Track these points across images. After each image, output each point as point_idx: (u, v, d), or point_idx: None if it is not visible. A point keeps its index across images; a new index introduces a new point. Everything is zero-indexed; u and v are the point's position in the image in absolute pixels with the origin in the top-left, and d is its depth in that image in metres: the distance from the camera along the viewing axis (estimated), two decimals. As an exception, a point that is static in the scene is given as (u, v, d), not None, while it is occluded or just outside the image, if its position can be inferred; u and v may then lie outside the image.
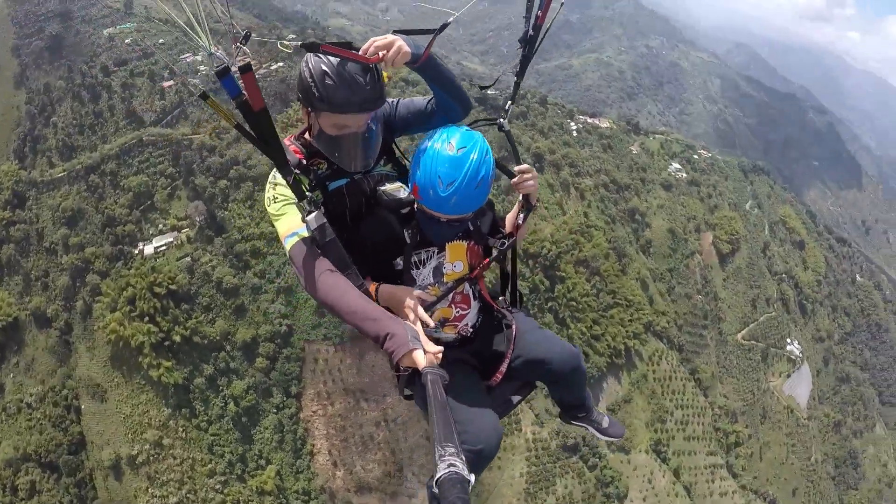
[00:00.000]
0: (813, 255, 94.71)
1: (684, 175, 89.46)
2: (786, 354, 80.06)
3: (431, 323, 2.46)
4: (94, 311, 52.22)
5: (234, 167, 60.69)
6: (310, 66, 2.49)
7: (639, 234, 78.07)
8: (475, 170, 2.50)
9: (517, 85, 3.11)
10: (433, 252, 2.80)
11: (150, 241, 57.00)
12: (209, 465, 48.45)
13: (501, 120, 3.11)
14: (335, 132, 2.61)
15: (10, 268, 57.51)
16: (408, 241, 2.71)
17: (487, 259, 2.96)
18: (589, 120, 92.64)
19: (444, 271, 2.84)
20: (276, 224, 2.62)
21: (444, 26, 2.48)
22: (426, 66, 2.64)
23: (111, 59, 73.90)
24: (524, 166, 2.98)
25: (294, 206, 2.56)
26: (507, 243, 2.97)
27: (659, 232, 78.65)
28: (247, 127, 2.16)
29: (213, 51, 2.16)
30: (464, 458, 1.58)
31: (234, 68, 1.96)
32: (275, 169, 2.58)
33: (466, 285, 2.95)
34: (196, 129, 65.15)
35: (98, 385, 49.41)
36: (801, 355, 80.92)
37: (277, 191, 2.61)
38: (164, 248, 56.28)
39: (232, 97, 1.98)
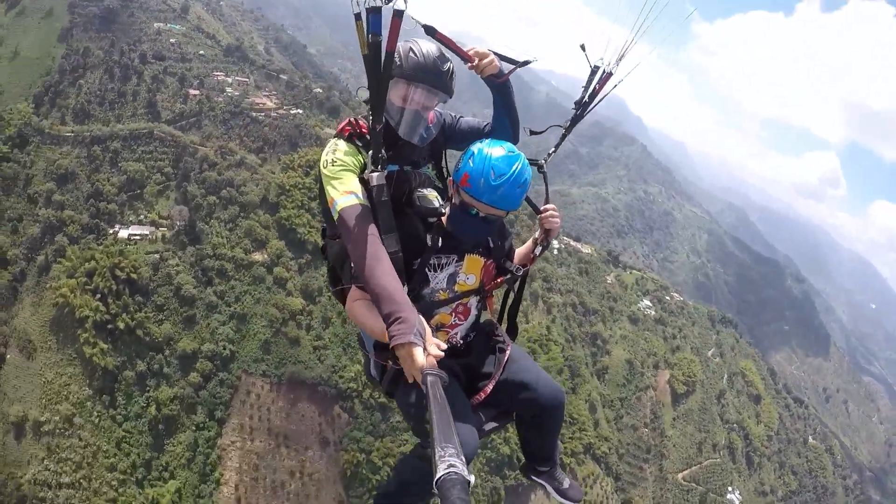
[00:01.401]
0: (767, 410, 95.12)
1: (653, 312, 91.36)
2: (725, 502, 78.81)
3: (443, 349, 2.33)
4: (51, 270, 51.39)
5: (227, 188, 61.99)
6: (400, 44, 2.74)
7: (597, 359, 78.75)
8: (522, 171, 2.69)
9: (563, 136, 3.45)
10: (452, 259, 2.89)
11: (127, 227, 57.28)
12: (112, 459, 45.85)
13: (542, 161, 3.37)
14: (401, 104, 2.84)
15: (-13, 200, 56.62)
16: (429, 243, 2.80)
17: (501, 278, 3.07)
18: (572, 242, 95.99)
19: (458, 280, 2.92)
20: (328, 185, 2.70)
21: (527, 62, 2.99)
22: (503, 87, 3.04)
23: (152, 50, 77.14)
24: (552, 205, 3.23)
25: (351, 173, 2.70)
26: (522, 269, 3.11)
27: (617, 361, 79.39)
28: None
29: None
30: (464, 459, 1.57)
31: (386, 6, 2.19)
32: (336, 138, 2.87)
33: (472, 299, 3.03)
34: (204, 141, 67.12)
35: (30, 342, 47.73)
36: (740, 506, 79.62)
37: (338, 155, 2.74)
38: (138, 237, 56.42)
39: (371, 31, 2.20)
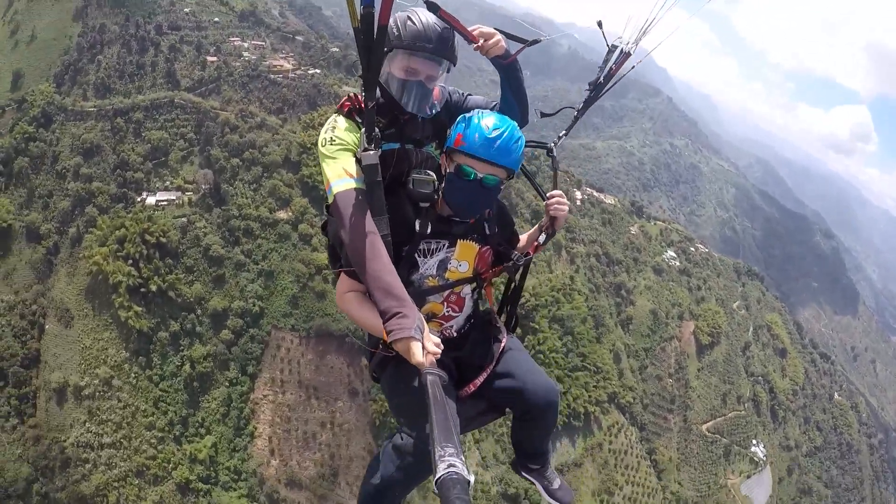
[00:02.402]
0: (793, 364, 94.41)
1: (677, 263, 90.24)
2: (749, 455, 78.79)
3: (440, 349, 2.29)
4: (83, 241, 53.26)
5: (250, 150, 62.91)
6: (398, 15, 2.68)
7: (621, 309, 78.62)
8: (515, 129, 2.62)
9: (576, 118, 3.36)
10: (443, 245, 2.78)
11: (154, 194, 58.72)
12: (150, 418, 48.18)
13: (551, 145, 3.30)
14: (403, 76, 2.73)
15: (19, 179, 58.63)
16: (418, 229, 2.68)
17: (500, 267, 2.97)
18: (595, 193, 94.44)
19: (449, 267, 2.81)
20: (325, 165, 2.61)
21: (535, 41, 2.87)
22: (510, 67, 2.91)
23: (167, 21, 77.27)
24: (559, 192, 3.11)
25: (349, 153, 2.60)
26: (524, 258, 3.00)
27: (641, 311, 79.07)
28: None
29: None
30: (464, 459, 1.58)
31: None
32: (335, 115, 2.76)
33: (466, 288, 2.92)
34: (224, 105, 67.75)
35: (67, 310, 49.87)
36: (764, 459, 79.61)
37: (336, 133, 2.65)
38: (165, 203, 57.87)
39: (364, 4, 2.06)
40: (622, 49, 3.11)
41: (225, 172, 61.01)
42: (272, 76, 71.93)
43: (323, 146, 2.64)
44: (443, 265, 2.79)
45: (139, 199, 57.77)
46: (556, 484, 3.20)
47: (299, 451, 50.00)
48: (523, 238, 3.26)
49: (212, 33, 78.40)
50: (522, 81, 3.04)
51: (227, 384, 51.17)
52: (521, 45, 2.89)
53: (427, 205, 2.70)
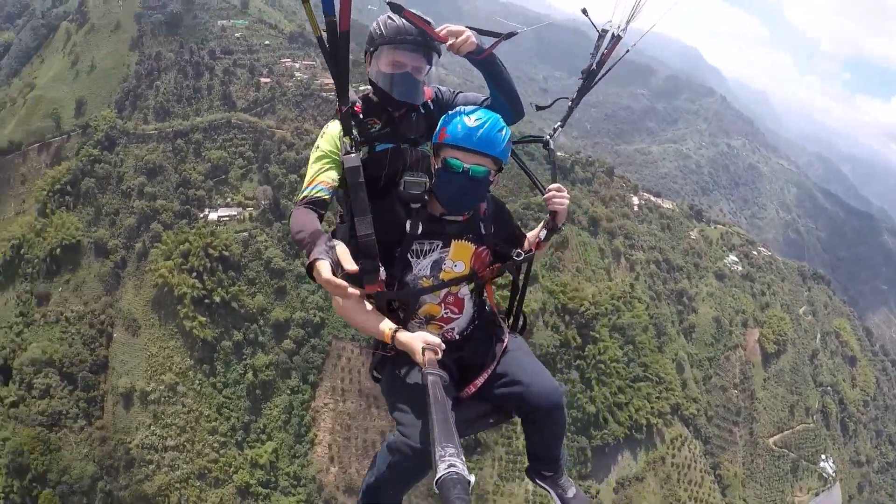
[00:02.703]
0: (864, 373, 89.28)
1: (740, 268, 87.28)
2: (818, 470, 74.75)
3: (441, 348, 2.37)
4: (149, 255, 56.05)
5: (306, 166, 64.74)
6: (379, 18, 2.82)
7: (683, 317, 76.26)
8: (498, 120, 2.65)
9: (571, 109, 3.23)
10: (436, 246, 2.76)
11: (216, 210, 61.33)
12: (213, 423, 49.84)
13: (547, 137, 3.21)
14: (390, 70, 2.81)
15: (87, 199, 62.30)
16: (408, 229, 2.68)
17: (497, 266, 2.92)
18: (652, 198, 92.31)
19: (443, 267, 2.78)
20: (308, 167, 2.75)
21: (511, 35, 2.71)
22: (487, 62, 2.81)
23: (219, 46, 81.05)
24: (557, 185, 3.00)
25: (324, 161, 2.71)
26: (524, 256, 2.92)
27: (704, 319, 76.54)
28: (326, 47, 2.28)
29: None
30: (464, 459, 1.59)
31: None
32: (330, 121, 2.84)
33: (464, 289, 2.87)
34: (280, 124, 70.14)
35: (135, 320, 52.62)
36: (833, 475, 75.35)
37: (324, 140, 2.76)
38: (226, 218, 60.33)
39: (325, 13, 2.10)
40: (613, 33, 3.01)
41: (283, 188, 62.92)
42: (324, 94, 73.82)
43: (313, 151, 2.79)
44: (437, 266, 2.77)
45: (202, 216, 60.40)
46: (571, 492, 3.04)
47: (358, 459, 50.46)
48: (530, 236, 3.16)
49: (263, 56, 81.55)
50: (505, 75, 2.93)
51: (289, 392, 52.35)
52: (496, 40, 2.77)
53: (418, 205, 2.70)
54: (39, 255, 58.05)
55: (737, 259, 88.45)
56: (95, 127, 67.18)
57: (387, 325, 2.50)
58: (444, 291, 2.80)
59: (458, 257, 2.79)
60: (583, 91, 3.14)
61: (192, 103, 71.98)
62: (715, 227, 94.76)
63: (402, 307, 2.80)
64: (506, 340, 2.91)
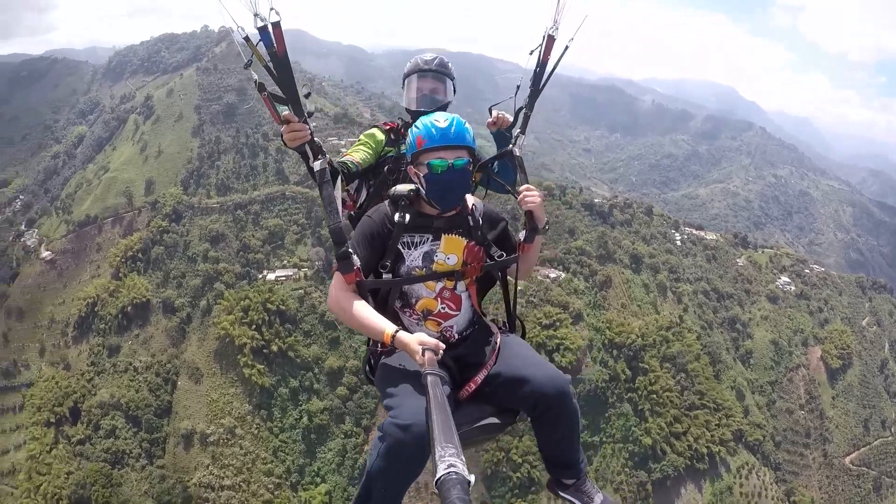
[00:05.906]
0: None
1: (793, 288, 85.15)
2: (903, 488, 69.85)
3: (441, 348, 2.41)
4: (213, 311, 60.55)
5: None
6: (410, 61, 3.88)
7: (738, 343, 75.00)
8: (461, 121, 2.76)
9: (527, 116, 3.41)
10: (426, 238, 2.80)
11: (274, 271, 66.55)
12: (269, 465, 51.72)
13: (511, 146, 3.39)
14: (416, 94, 3.80)
15: (156, 264, 68.46)
16: (397, 218, 2.75)
17: (480, 263, 2.90)
18: (694, 232, 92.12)
19: (435, 259, 2.80)
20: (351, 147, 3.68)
21: (506, 152, 3.44)
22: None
23: (272, 129, 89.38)
24: (527, 185, 3.10)
25: (360, 147, 3.72)
26: (506, 257, 2.93)
27: (761, 343, 75.08)
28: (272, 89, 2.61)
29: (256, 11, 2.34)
30: (464, 459, 1.59)
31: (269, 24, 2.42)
32: (374, 128, 3.87)
33: (461, 285, 2.87)
34: (330, 193, 77.31)
35: (197, 369, 56.42)
36: (922, 490, 70.13)
37: (363, 134, 3.82)
38: (283, 278, 65.24)
39: (266, 47, 2.45)
40: (545, 34, 3.17)
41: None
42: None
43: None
44: (428, 257, 2.80)
45: (260, 276, 65.53)
46: (598, 499, 2.77)
47: (411, 501, 51.51)
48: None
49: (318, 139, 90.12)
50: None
51: (343, 436, 54.18)
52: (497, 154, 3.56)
53: (406, 202, 2.79)
54: (112, 313, 63.15)
55: (789, 279, 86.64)
56: (164, 202, 74.83)
57: (387, 326, 2.53)
58: (439, 286, 2.82)
59: (450, 250, 2.82)
60: (534, 96, 3.34)
61: (249, 179, 79.54)
62: (762, 252, 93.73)
63: (399, 298, 2.86)
64: (499, 335, 2.92)
